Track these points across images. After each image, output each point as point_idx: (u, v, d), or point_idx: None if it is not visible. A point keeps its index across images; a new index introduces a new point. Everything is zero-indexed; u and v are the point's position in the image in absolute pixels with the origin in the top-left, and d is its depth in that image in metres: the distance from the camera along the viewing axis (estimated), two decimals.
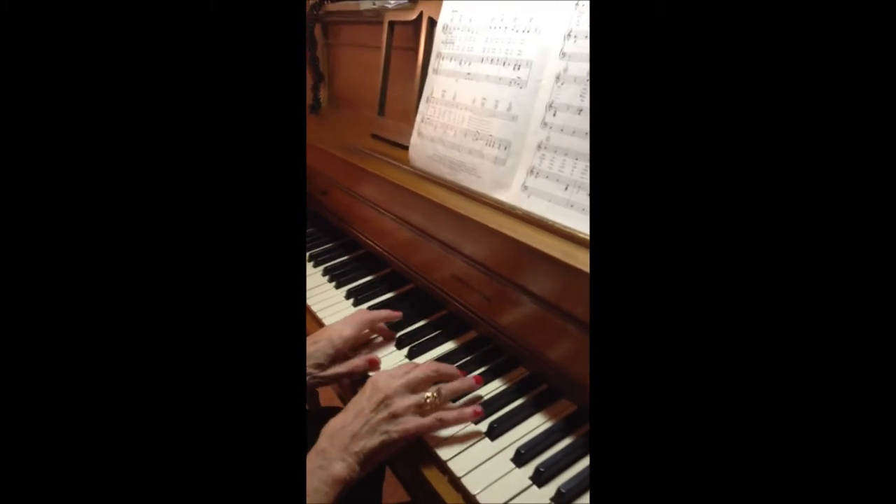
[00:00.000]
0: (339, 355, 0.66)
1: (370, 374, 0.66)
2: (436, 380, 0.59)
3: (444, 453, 0.54)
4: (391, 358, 0.70)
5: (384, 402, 0.53)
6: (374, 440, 0.51)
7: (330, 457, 0.50)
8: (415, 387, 0.56)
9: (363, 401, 0.54)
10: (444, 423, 0.55)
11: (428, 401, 0.55)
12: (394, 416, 0.53)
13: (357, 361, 0.66)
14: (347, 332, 0.67)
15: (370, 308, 0.79)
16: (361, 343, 0.71)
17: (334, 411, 0.91)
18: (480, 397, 0.61)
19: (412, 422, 0.53)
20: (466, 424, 0.57)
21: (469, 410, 0.56)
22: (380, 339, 0.73)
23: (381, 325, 0.73)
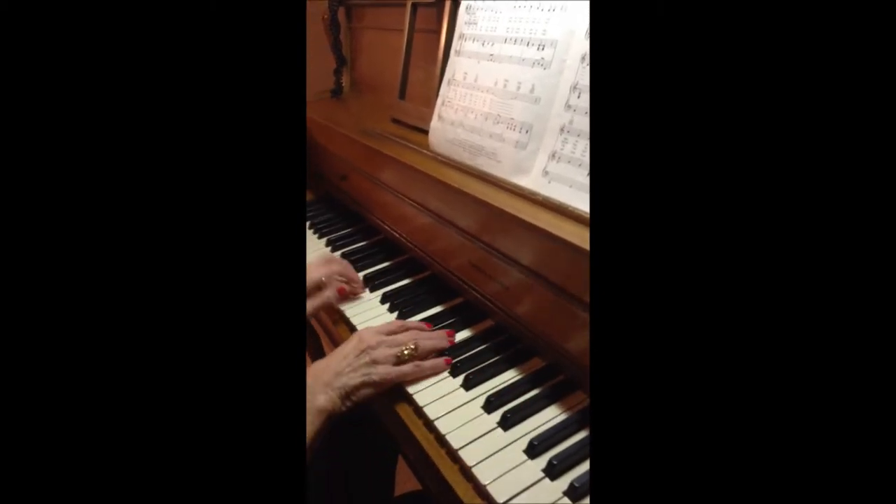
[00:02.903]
0: (313, 292, 0.75)
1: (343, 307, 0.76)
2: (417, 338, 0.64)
3: (455, 442, 0.53)
4: None
5: (366, 350, 0.60)
6: (354, 379, 0.58)
7: (313, 391, 0.56)
8: (397, 343, 0.61)
9: (348, 347, 0.61)
10: (421, 370, 0.60)
11: (406, 353, 0.60)
12: (374, 362, 0.59)
13: (328, 293, 0.75)
14: (319, 271, 0.76)
15: (385, 294, 0.78)
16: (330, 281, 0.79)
17: None
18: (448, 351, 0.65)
19: (392, 370, 0.59)
20: (478, 415, 0.56)
21: (441, 361, 0.62)
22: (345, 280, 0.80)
23: (348, 271, 0.80)
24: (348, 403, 0.57)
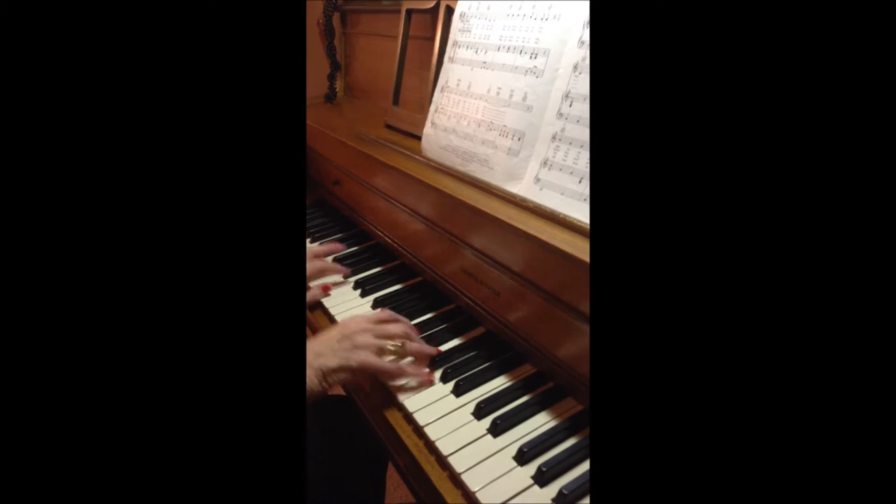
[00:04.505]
0: None
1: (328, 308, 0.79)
2: (403, 338, 0.64)
3: (445, 448, 0.53)
4: None
5: (349, 336, 0.61)
6: (333, 361, 0.59)
7: None
8: (381, 335, 0.62)
9: (332, 332, 0.62)
10: (402, 371, 0.61)
11: (391, 348, 0.62)
12: (355, 347, 0.60)
13: (314, 291, 0.80)
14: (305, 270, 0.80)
15: (377, 300, 0.78)
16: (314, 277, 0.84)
17: (337, 399, 0.92)
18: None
19: (374, 359, 0.60)
20: (468, 422, 0.56)
21: (425, 371, 0.62)
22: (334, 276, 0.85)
23: (331, 263, 0.85)
24: (325, 384, 0.59)
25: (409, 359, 0.64)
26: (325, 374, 0.58)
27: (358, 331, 0.61)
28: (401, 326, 0.65)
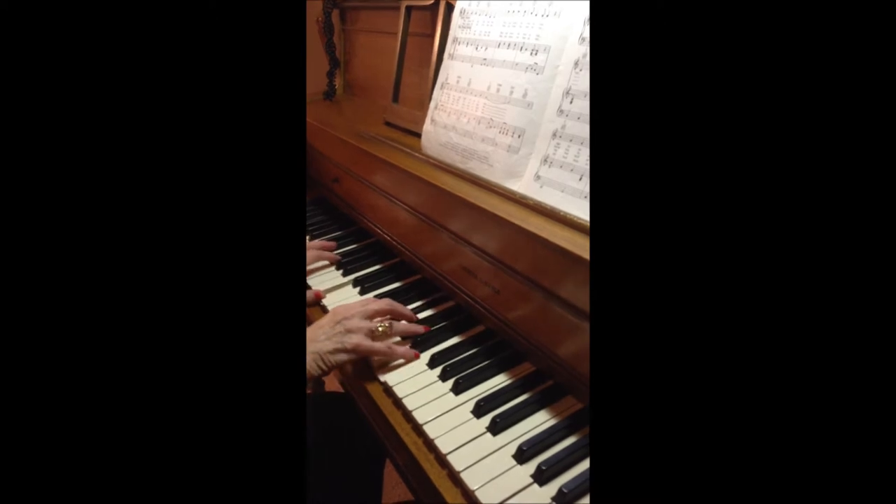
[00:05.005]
0: None
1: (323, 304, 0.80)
2: (390, 313, 0.69)
3: (444, 447, 0.53)
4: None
5: (341, 321, 0.64)
6: (328, 346, 0.62)
7: None
8: (370, 315, 0.66)
9: (324, 320, 0.66)
10: (392, 353, 0.65)
11: (380, 329, 0.65)
12: (348, 331, 0.63)
13: (307, 294, 0.81)
14: None
15: (374, 298, 0.78)
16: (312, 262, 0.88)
17: (336, 396, 0.92)
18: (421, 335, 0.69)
19: (365, 341, 0.63)
20: (467, 420, 0.56)
21: (412, 351, 0.66)
22: (324, 263, 0.88)
23: (325, 254, 0.88)
24: (323, 367, 0.62)
25: (395, 338, 0.68)
26: (322, 357, 0.62)
27: (349, 315, 0.65)
28: (386, 301, 0.69)
